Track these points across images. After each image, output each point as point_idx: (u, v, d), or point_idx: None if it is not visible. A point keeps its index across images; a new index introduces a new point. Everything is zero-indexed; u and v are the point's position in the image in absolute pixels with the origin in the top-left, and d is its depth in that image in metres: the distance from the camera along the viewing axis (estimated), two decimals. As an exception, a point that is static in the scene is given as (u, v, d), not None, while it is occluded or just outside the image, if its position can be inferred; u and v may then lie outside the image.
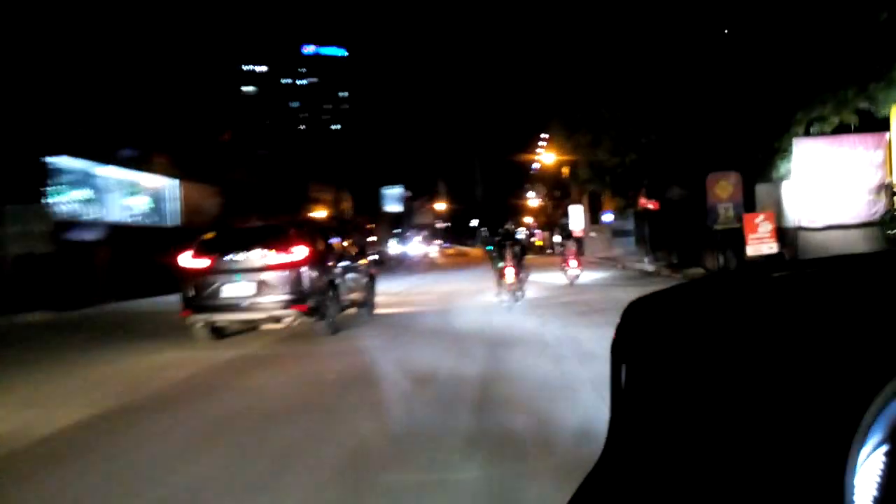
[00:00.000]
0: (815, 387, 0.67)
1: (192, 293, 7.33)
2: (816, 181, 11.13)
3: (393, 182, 68.47)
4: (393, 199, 66.02)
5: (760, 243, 10.73)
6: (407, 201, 71.56)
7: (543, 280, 15.40)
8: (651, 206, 19.85)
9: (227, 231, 8.50)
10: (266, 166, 28.08)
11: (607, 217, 37.67)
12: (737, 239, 11.54)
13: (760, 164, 12.56)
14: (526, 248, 11.96)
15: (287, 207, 25.40)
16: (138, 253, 16.53)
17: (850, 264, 0.95)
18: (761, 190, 12.68)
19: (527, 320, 8.44)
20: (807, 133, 11.45)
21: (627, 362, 0.86)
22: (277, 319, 7.38)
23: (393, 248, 43.12)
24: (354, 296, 9.19)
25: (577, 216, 38.73)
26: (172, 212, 20.80)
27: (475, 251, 54.98)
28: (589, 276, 16.29)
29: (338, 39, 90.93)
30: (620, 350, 0.88)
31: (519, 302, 10.01)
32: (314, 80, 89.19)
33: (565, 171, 41.36)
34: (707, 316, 0.84)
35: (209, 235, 7.88)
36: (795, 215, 11.56)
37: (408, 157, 78.18)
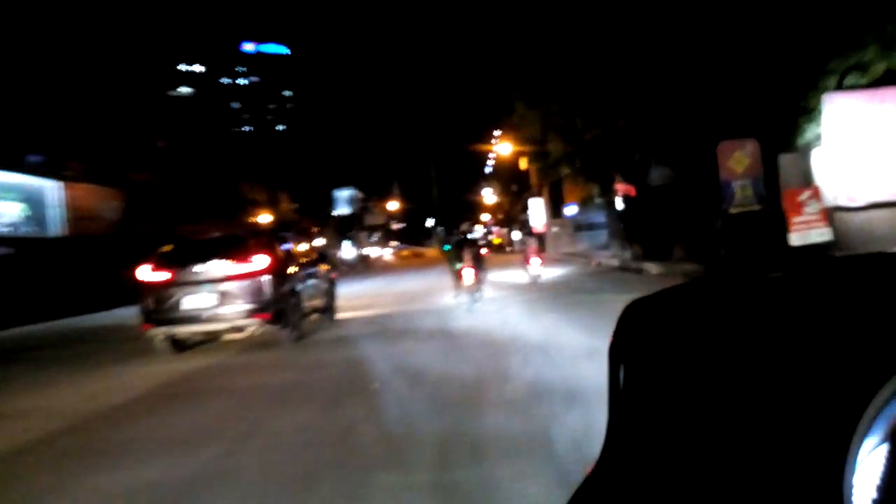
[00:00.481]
0: (816, 387, 0.68)
1: (151, 306, 7.36)
2: (855, 147, 8.80)
3: (345, 184, 67.59)
4: (344, 201, 65.32)
5: (808, 228, 8.62)
6: (360, 203, 70.57)
7: (504, 279, 15.25)
8: (627, 192, 17.72)
9: (185, 242, 8.51)
10: (183, 166, 26.44)
11: (570, 210, 35.86)
12: (757, 225, 9.60)
13: (781, 128, 10.03)
14: (483, 247, 11.81)
15: (214, 210, 24.49)
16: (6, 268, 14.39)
17: (852, 264, 0.96)
18: (785, 161, 10.12)
19: (486, 321, 8.37)
20: (840, 87, 9.16)
21: (625, 363, 0.86)
22: (240, 329, 7.50)
23: (346, 251, 42.44)
24: (316, 302, 9.35)
25: (537, 210, 36.95)
26: (55, 219, 18.32)
27: (431, 251, 54.38)
28: (552, 274, 15.96)
29: (279, 36, 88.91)
30: (618, 351, 0.88)
31: (478, 303, 10.08)
32: (256, 79, 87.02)
33: (524, 163, 39.41)
34: (707, 316, 0.85)
35: (167, 248, 7.90)
36: (830, 192, 9.12)
37: (360, 158, 77.40)
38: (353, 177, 70.24)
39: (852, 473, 0.64)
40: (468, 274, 9.89)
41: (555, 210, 38.31)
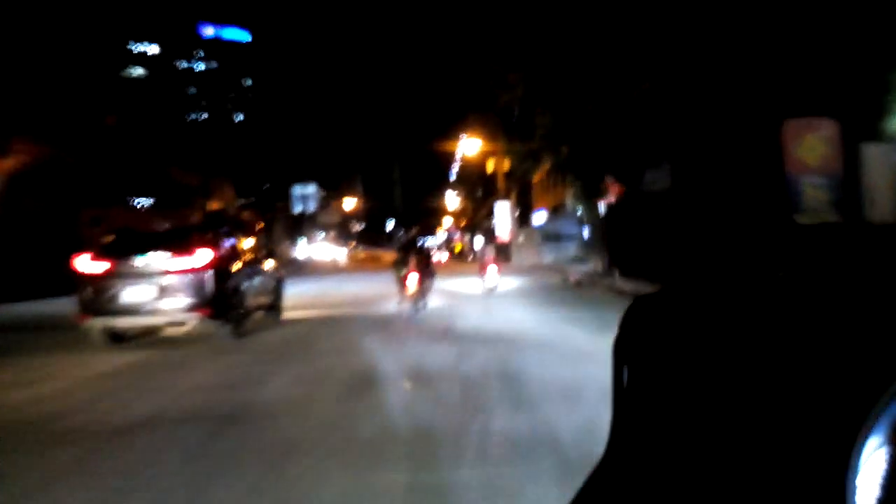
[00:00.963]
0: (821, 388, 0.68)
1: (90, 297, 7.34)
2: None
3: (306, 179, 64.53)
4: (304, 197, 62.37)
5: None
6: (320, 200, 68.27)
7: (457, 288, 14.94)
8: (617, 194, 15.51)
9: (127, 234, 8.47)
10: (122, 146, 24.78)
11: (539, 217, 33.87)
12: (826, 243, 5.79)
13: (862, 109, 7.49)
14: (439, 253, 12.16)
15: (134, 194, 22.94)
16: None
17: (857, 263, 0.96)
18: (870, 154, 7.53)
19: (425, 332, 8.06)
20: None
21: (629, 363, 0.86)
22: (180, 324, 7.55)
23: (301, 250, 41.31)
24: (261, 299, 9.44)
25: (503, 216, 34.25)
26: None
27: (389, 255, 52.96)
28: (511, 285, 15.41)
29: (241, 20, 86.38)
30: (622, 350, 0.88)
31: (420, 313, 9.80)
32: (214, 65, 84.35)
33: (491, 165, 37.10)
34: (713, 315, 0.85)
35: (109, 238, 7.87)
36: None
37: (322, 154, 75.11)
38: (314, 172, 68.09)
39: (856, 475, 0.63)
40: (412, 280, 9.62)
41: (522, 218, 36.73)
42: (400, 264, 10.24)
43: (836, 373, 0.69)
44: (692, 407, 0.77)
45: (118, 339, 7.83)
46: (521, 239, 33.81)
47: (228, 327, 7.95)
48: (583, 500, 0.80)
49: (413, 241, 10.50)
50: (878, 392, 0.65)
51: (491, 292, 13.35)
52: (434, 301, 11.21)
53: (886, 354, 0.67)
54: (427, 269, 10.20)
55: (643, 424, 0.82)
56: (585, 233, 23.73)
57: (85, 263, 7.45)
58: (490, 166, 39.69)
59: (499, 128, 34.35)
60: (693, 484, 0.74)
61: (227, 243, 8.48)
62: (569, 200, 26.24)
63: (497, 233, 34.32)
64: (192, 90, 78.21)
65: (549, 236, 30.67)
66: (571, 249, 26.93)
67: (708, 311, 0.87)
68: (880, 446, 0.65)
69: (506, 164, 36.07)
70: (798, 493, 0.66)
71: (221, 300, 7.72)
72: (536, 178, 35.16)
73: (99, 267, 7.41)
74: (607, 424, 0.82)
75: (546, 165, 20.77)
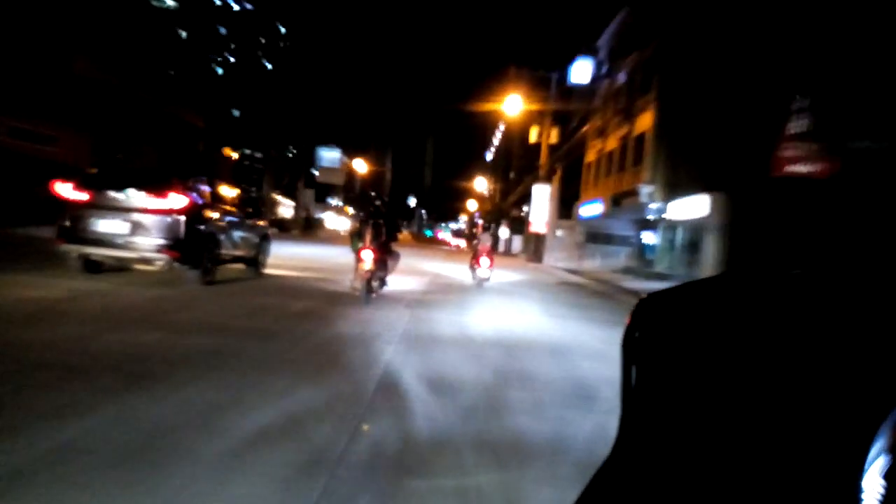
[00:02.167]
0: (832, 390, 0.67)
1: (67, 223, 7.74)
2: None
3: (332, 144, 62.07)
4: (330, 161, 59.53)
5: None
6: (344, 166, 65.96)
7: (448, 273, 14.63)
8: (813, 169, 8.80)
9: (109, 168, 8.83)
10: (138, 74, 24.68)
11: (591, 209, 26.20)
12: None
13: None
14: (397, 228, 9.84)
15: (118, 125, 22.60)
16: None
17: (867, 263, 0.90)
18: None
19: (375, 322, 6.83)
20: None
21: (637, 362, 0.86)
22: (149, 262, 7.93)
23: (284, 208, 40.31)
24: (240, 252, 9.84)
25: (540, 201, 27.27)
26: None
27: (403, 235, 49.45)
28: (510, 278, 14.60)
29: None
30: (630, 349, 0.88)
31: (375, 294, 8.65)
32: (249, 5, 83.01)
33: (534, 132, 30.57)
34: (720, 315, 0.85)
35: (92, 170, 8.24)
36: None
37: (352, 121, 72.33)
38: (341, 139, 64.96)
39: (863, 475, 0.63)
40: (367, 257, 8.24)
41: (565, 208, 29.93)
42: (356, 237, 9.01)
43: (847, 375, 0.66)
44: (700, 406, 0.77)
45: (94, 268, 8.24)
46: (558, 233, 28.56)
47: (197, 272, 8.33)
48: (590, 497, 0.80)
49: (377, 212, 9.03)
50: (889, 398, 0.62)
51: (481, 285, 12.67)
52: (404, 284, 10.99)
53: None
54: (388, 245, 9.07)
55: (651, 423, 0.81)
56: (652, 238, 18.84)
57: (66, 190, 7.83)
58: (533, 134, 31.66)
59: (545, 82, 28.42)
60: (700, 482, 0.73)
61: (205, 191, 8.78)
62: (645, 190, 18.15)
63: (531, 221, 27.95)
64: (223, 30, 78.03)
65: (597, 236, 24.35)
66: (621, 258, 21.92)
67: (718, 311, 0.85)
68: (881, 451, 0.64)
69: (553, 134, 29.29)
70: (807, 494, 0.65)
71: (192, 245, 8.08)
72: (591, 156, 28.39)
73: (79, 196, 7.79)
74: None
75: (624, 130, 16.63)
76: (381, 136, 78.38)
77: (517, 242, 41.35)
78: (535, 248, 28.43)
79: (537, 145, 30.65)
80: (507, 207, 45.69)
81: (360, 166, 60.98)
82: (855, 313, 0.72)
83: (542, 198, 27.62)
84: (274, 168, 44.56)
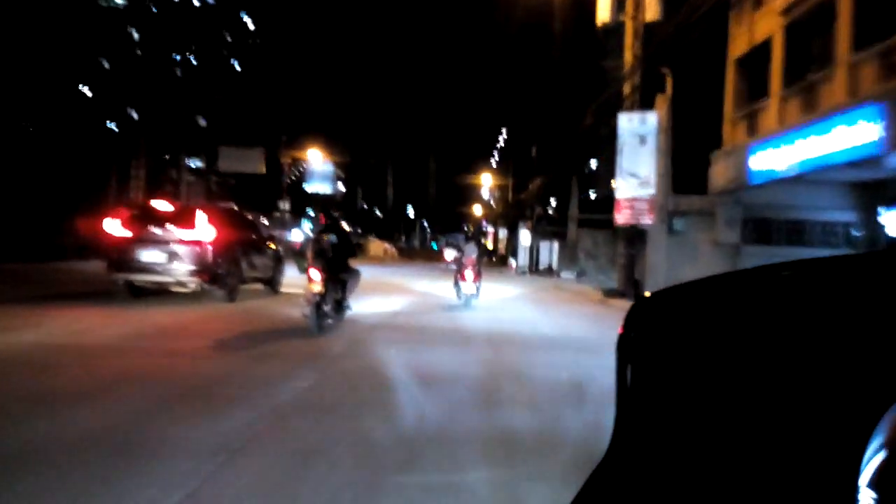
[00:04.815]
0: (826, 388, 0.69)
1: (116, 256, 9.60)
2: None
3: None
4: (322, 175, 53.89)
5: None
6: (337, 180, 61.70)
7: (438, 293, 14.08)
8: None
9: (147, 208, 10.72)
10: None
11: (807, 148, 10.38)
12: None
13: None
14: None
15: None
16: None
17: (865, 261, 0.94)
18: None
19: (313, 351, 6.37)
20: None
21: (633, 362, 0.89)
22: (183, 284, 9.72)
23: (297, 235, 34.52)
24: (258, 273, 11.61)
25: (633, 150, 13.45)
26: None
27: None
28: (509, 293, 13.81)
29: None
30: (626, 349, 0.90)
31: (332, 320, 7.79)
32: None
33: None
34: (716, 315, 0.86)
35: (133, 210, 10.16)
36: None
37: (342, 126, 62.66)
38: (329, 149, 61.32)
39: (860, 474, 0.64)
40: (316, 277, 7.40)
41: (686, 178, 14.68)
42: (299, 255, 8.34)
43: (844, 373, 0.68)
44: (695, 406, 0.78)
45: (137, 292, 10.07)
46: (676, 225, 14.54)
47: (223, 292, 10.10)
48: (586, 498, 0.81)
49: (329, 226, 8.16)
50: (886, 396, 0.63)
51: (467, 301, 11.63)
52: (382, 305, 10.81)
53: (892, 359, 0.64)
54: (342, 265, 8.03)
55: (646, 423, 0.83)
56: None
57: (113, 228, 9.71)
58: (603, 8, 14.98)
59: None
60: (695, 482, 0.75)
61: (231, 224, 10.60)
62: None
63: (619, 200, 13.91)
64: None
65: (767, 226, 13.68)
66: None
67: (712, 310, 0.87)
68: (880, 448, 0.65)
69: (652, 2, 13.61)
70: (804, 492, 0.66)
71: (218, 269, 9.86)
72: (741, 43, 14.08)
73: (124, 232, 9.67)
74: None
75: None
76: (378, 151, 72.79)
77: (546, 251, 28.31)
78: (628, 263, 14.70)
79: (598, 49, 17.30)
80: (528, 198, 31.00)
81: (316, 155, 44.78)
82: (852, 311, 0.73)
83: (633, 141, 13.50)
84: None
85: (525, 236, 29.28)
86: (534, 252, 28.93)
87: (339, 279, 7.93)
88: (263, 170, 31.81)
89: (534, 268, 28.26)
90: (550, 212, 30.43)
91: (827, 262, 0.90)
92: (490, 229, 44.24)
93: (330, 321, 7.74)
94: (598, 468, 0.88)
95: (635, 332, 0.93)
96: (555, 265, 26.66)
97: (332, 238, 7.88)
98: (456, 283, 12.03)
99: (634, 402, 0.88)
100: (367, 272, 10.50)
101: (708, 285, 0.98)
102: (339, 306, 8.04)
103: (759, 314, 0.83)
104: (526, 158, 32.42)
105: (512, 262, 26.80)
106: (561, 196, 29.37)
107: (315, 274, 7.40)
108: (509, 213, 38.02)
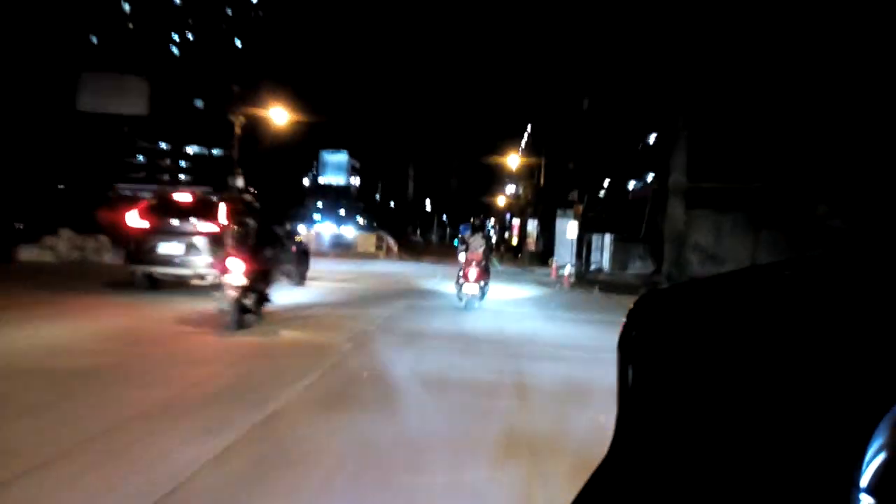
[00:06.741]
0: (830, 389, 0.69)
1: (134, 248, 9.59)
2: None
3: (340, 146, 54.33)
4: (335, 165, 54.01)
5: None
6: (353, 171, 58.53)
7: (442, 290, 13.35)
8: None
9: (166, 199, 10.70)
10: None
11: None
12: None
13: None
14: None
15: None
16: None
17: (865, 259, 0.94)
18: None
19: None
20: None
21: (634, 362, 0.89)
22: (202, 276, 9.69)
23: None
24: (281, 265, 11.53)
25: None
26: None
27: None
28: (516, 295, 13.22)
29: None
30: (627, 348, 0.90)
31: (255, 313, 7.24)
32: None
33: None
34: (719, 314, 0.87)
35: (152, 202, 10.14)
36: None
37: (359, 119, 59.74)
38: (347, 142, 56.62)
39: (861, 474, 0.65)
40: (236, 268, 6.86)
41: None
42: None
43: (845, 373, 0.69)
44: (696, 406, 0.79)
45: (154, 284, 10.07)
46: None
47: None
48: (587, 498, 0.83)
49: (247, 210, 7.77)
50: (887, 396, 0.64)
51: (469, 303, 10.48)
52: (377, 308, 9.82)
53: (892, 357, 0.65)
54: (269, 257, 7.70)
55: (647, 423, 0.84)
56: None
57: (133, 220, 9.70)
58: None
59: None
60: (697, 482, 0.76)
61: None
62: None
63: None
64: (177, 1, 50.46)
65: None
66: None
67: (717, 310, 0.88)
68: (881, 448, 0.65)
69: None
70: (805, 492, 0.67)
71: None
72: None
73: (143, 224, 9.66)
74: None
75: None
76: (399, 141, 69.23)
77: (599, 251, 21.86)
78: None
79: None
80: (571, 178, 26.18)
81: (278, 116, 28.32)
82: (853, 311, 0.74)
83: None
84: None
85: (571, 227, 21.86)
86: (585, 245, 22.06)
87: (263, 271, 7.44)
88: (146, 111, 24.81)
89: (585, 270, 20.77)
90: (602, 195, 22.76)
91: (827, 262, 0.92)
92: (516, 221, 40.08)
93: (253, 316, 7.17)
94: (599, 468, 0.88)
95: (637, 330, 0.93)
96: (606, 266, 20.53)
97: (251, 223, 7.44)
98: (458, 283, 10.72)
99: (635, 402, 0.89)
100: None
101: (709, 284, 1.00)
102: (262, 300, 7.46)
103: (759, 314, 0.84)
104: (570, 121, 24.78)
105: (554, 262, 19.07)
106: (619, 174, 21.88)
107: (236, 264, 6.83)
108: (540, 201, 31.08)
